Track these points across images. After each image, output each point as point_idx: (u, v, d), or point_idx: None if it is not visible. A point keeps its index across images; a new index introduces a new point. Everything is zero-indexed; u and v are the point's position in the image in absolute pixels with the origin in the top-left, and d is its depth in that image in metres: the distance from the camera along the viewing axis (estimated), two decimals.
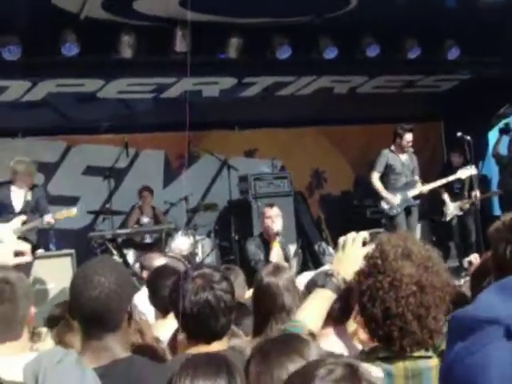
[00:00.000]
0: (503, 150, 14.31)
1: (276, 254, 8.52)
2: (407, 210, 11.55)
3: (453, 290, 2.58)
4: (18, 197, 10.06)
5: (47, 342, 3.94)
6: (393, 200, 11.40)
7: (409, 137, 11.69)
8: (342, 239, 3.16)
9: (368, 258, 2.58)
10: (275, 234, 8.69)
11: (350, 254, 3.06)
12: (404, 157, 11.74)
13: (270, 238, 8.72)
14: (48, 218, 9.69)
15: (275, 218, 8.81)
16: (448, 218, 13.22)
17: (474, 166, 11.61)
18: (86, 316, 2.95)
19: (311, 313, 3.05)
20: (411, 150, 11.86)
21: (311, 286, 3.40)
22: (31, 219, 9.61)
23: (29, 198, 10.06)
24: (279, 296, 4.05)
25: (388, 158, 11.72)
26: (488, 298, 1.23)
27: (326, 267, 3.52)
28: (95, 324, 2.93)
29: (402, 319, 2.44)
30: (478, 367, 1.16)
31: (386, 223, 11.67)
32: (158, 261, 6.35)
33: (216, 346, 3.10)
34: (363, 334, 3.64)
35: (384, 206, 11.52)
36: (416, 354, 2.47)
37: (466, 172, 11.63)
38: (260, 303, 4.11)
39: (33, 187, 10.18)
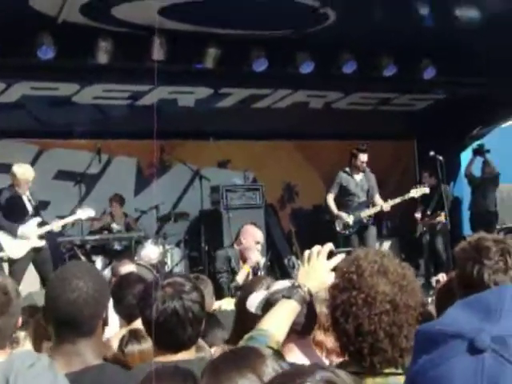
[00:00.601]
0: (476, 170, 14.45)
1: (245, 277, 8.31)
2: (361, 231, 11.86)
3: (425, 309, 2.58)
4: (26, 200, 10.34)
5: (26, 347, 3.90)
6: (346, 219, 11.74)
7: (363, 157, 11.97)
8: (307, 252, 3.16)
9: (343, 272, 2.57)
10: (255, 262, 8.48)
11: (316, 267, 3.08)
12: (359, 177, 12.07)
13: (247, 259, 8.46)
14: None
15: (259, 246, 8.67)
16: (417, 235, 13.36)
17: (426, 186, 11.91)
18: (61, 319, 2.91)
19: (276, 323, 3.03)
20: (367, 169, 12.13)
21: (268, 306, 3.35)
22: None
23: (33, 202, 10.41)
24: None
25: (342, 180, 12.07)
26: (454, 313, 1.24)
27: (280, 284, 3.48)
28: (70, 328, 2.89)
29: (373, 336, 2.43)
30: (441, 380, 1.17)
31: (340, 243, 11.67)
32: (126, 268, 6.31)
33: (183, 356, 3.07)
34: (331, 343, 3.63)
35: (337, 227, 11.87)
36: (386, 370, 2.46)
37: (418, 191, 11.82)
38: (245, 322, 3.98)
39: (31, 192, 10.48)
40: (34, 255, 10.24)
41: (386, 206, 11.82)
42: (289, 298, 3.07)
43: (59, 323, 2.93)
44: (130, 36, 10.62)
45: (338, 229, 11.88)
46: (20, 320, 3.10)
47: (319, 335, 3.60)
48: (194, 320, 3.12)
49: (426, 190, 11.85)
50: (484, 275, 2.99)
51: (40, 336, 3.95)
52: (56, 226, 10.38)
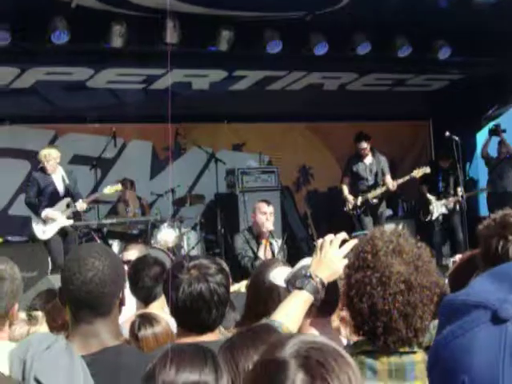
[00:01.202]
0: (492, 151, 14.37)
1: (264, 251, 8.52)
2: (374, 212, 12.29)
3: (441, 289, 2.57)
4: (58, 181, 10.88)
5: (43, 326, 3.92)
6: (352, 201, 12.24)
7: (361, 145, 12.39)
8: (319, 241, 3.16)
9: (358, 252, 2.56)
10: (269, 231, 8.69)
11: (328, 256, 3.07)
12: (368, 160, 12.45)
13: (261, 233, 8.72)
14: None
15: (270, 216, 8.82)
16: (434, 217, 13.32)
17: (427, 166, 12.28)
18: (78, 299, 2.88)
19: (289, 314, 3.04)
20: (377, 153, 12.60)
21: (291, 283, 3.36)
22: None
23: (67, 181, 10.88)
24: (279, 301, 3.98)
25: (352, 164, 12.56)
26: (479, 284, 1.24)
27: (306, 261, 3.48)
28: (87, 307, 2.87)
29: (387, 316, 2.42)
30: (463, 350, 1.17)
31: (355, 224, 12.26)
32: (132, 253, 6.29)
33: (208, 337, 3.07)
34: (345, 330, 3.63)
35: (345, 208, 12.35)
36: (400, 349, 2.46)
37: (420, 171, 12.16)
38: (259, 303, 4.00)
39: (68, 173, 11.06)
40: (64, 236, 10.68)
41: (392, 185, 12.13)
42: (301, 288, 3.08)
43: (76, 303, 2.92)
44: (144, 20, 10.59)
45: (345, 209, 12.35)
46: (16, 308, 3.13)
47: (343, 312, 3.60)
48: (219, 302, 3.11)
49: (427, 170, 12.17)
50: (509, 250, 3.02)
51: (56, 319, 3.97)
52: (80, 206, 10.68)
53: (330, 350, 1.49)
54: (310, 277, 3.07)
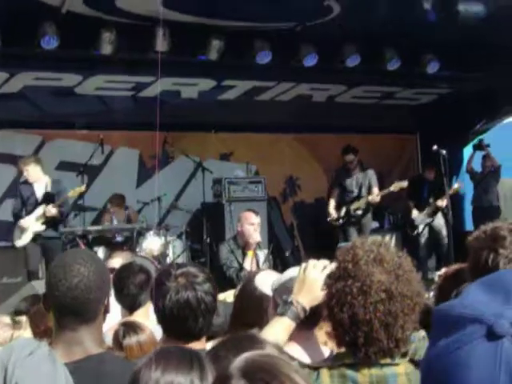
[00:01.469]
0: (477, 166, 14.45)
1: (250, 262, 8.47)
2: (358, 223, 12.60)
3: (423, 299, 2.56)
4: (38, 189, 10.87)
5: (27, 331, 3.90)
6: (334, 214, 12.67)
7: (347, 158, 12.75)
8: (303, 265, 3.15)
9: (339, 261, 2.55)
10: (256, 243, 8.62)
11: (309, 281, 3.06)
12: (356, 173, 12.79)
13: (248, 244, 8.62)
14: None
15: (257, 227, 8.75)
16: (420, 229, 13.39)
17: (406, 181, 12.43)
18: (63, 305, 2.85)
19: (271, 339, 3.03)
20: (364, 166, 12.97)
21: (283, 288, 3.36)
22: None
23: (48, 189, 10.81)
24: (267, 311, 3.95)
25: (339, 177, 13.01)
26: (473, 295, 1.23)
27: (293, 270, 3.47)
28: (71, 314, 2.85)
29: (368, 326, 2.41)
30: (458, 364, 1.16)
31: (339, 235, 12.60)
32: (116, 260, 6.26)
33: (194, 345, 3.03)
34: (331, 344, 3.61)
35: (329, 218, 12.73)
36: (382, 361, 2.45)
37: (397, 185, 12.33)
38: (247, 313, 3.98)
39: (54, 182, 11.00)
40: (41, 243, 10.68)
41: (372, 198, 12.40)
42: (282, 315, 3.07)
43: (60, 309, 2.89)
44: (134, 27, 10.59)
45: (329, 219, 12.71)
46: None
47: (328, 326, 3.59)
48: (206, 311, 3.11)
49: (404, 184, 12.30)
50: (499, 264, 3.01)
51: (38, 325, 3.95)
52: (48, 211, 10.55)
53: (274, 361, 1.52)
54: (291, 303, 3.06)
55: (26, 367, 2.37)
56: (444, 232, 13.09)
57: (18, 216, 10.75)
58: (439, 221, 13.35)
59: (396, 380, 2.42)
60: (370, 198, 12.37)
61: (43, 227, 10.60)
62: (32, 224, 10.52)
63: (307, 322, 3.28)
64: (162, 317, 3.13)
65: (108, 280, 3.13)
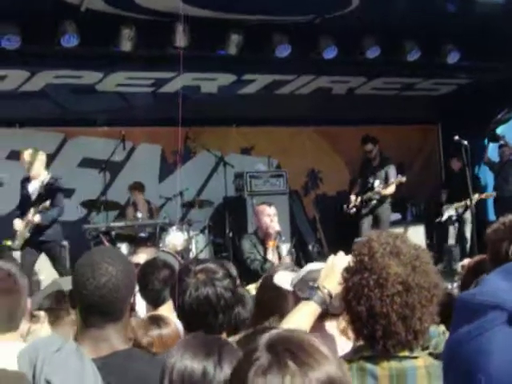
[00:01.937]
0: (494, 156, 14.38)
1: (273, 253, 8.50)
2: (367, 213, 12.63)
3: (441, 291, 2.56)
4: (34, 187, 10.15)
5: (45, 326, 3.93)
6: (352, 201, 12.65)
7: (366, 147, 12.80)
8: (330, 257, 3.15)
9: (356, 254, 2.56)
10: (276, 233, 8.65)
11: (337, 269, 3.06)
12: (376, 163, 12.75)
13: (267, 236, 8.66)
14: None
15: (274, 217, 8.78)
16: (443, 219, 13.33)
17: (404, 176, 12.38)
18: (89, 304, 2.87)
19: (296, 324, 3.02)
20: (385, 156, 12.97)
21: (302, 283, 3.37)
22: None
23: (45, 188, 10.01)
24: (288, 301, 3.97)
25: (362, 166, 13.07)
26: (494, 283, 1.24)
27: (312, 266, 3.48)
28: (98, 313, 2.87)
29: (386, 319, 2.41)
30: (479, 351, 1.17)
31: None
32: (141, 256, 6.31)
33: None
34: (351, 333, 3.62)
35: (344, 208, 12.80)
36: (400, 354, 2.45)
37: (398, 180, 12.36)
38: (268, 304, 4.00)
39: (51, 179, 10.08)
40: (40, 246, 10.20)
41: (379, 189, 12.45)
42: (308, 299, 3.08)
43: (87, 308, 2.91)
44: (153, 23, 10.62)
45: (344, 209, 12.76)
46: (29, 302, 3.15)
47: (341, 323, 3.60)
48: (225, 307, 3.12)
49: (403, 180, 12.27)
50: None
51: (62, 321, 3.98)
52: (17, 224, 10.05)
53: (300, 338, 1.54)
54: (318, 288, 3.05)
55: (55, 363, 2.39)
56: (468, 224, 13.04)
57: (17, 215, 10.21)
58: (466, 213, 13.28)
59: (415, 373, 2.42)
60: (377, 189, 12.41)
61: (29, 234, 9.97)
62: (21, 229, 10.00)
63: (323, 314, 3.30)
64: (182, 313, 3.15)
65: (134, 279, 3.15)
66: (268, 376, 1.42)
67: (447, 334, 2.91)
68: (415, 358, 2.45)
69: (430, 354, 2.51)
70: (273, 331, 1.61)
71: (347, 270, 2.58)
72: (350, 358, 2.51)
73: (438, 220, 13.46)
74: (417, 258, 2.47)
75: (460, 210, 13.17)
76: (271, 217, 8.72)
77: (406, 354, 2.45)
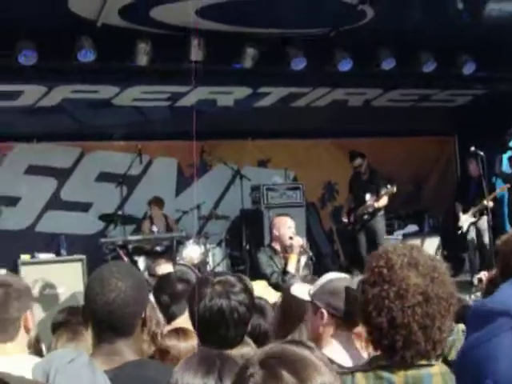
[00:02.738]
0: (506, 167, 14.31)
1: (294, 265, 8.36)
2: (361, 228, 12.67)
3: (457, 301, 2.58)
4: None
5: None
6: (345, 220, 12.91)
7: (355, 162, 12.95)
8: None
9: (373, 267, 2.57)
10: (300, 245, 8.42)
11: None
12: (365, 177, 12.85)
13: (290, 247, 8.39)
14: None
15: (294, 230, 8.65)
16: (465, 229, 13.22)
17: (395, 187, 12.33)
18: (100, 319, 2.89)
19: None
20: (374, 170, 13.06)
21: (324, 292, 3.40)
22: None
23: None
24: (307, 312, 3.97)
25: (351, 182, 13.22)
26: (504, 292, 1.25)
27: (330, 275, 3.51)
28: (108, 328, 2.88)
29: (407, 329, 2.43)
30: (488, 356, 1.19)
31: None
32: (164, 267, 6.33)
33: None
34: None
35: (340, 225, 13.25)
36: (418, 363, 2.47)
37: (388, 191, 12.33)
38: (289, 311, 4.03)
39: None
40: None
41: (370, 203, 12.47)
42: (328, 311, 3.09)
43: (98, 323, 2.93)
44: (169, 37, 10.66)
45: (340, 226, 13.26)
46: (29, 314, 3.16)
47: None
48: (238, 321, 3.13)
49: (393, 190, 12.26)
50: None
51: (82, 336, 3.99)
52: None
53: (291, 351, 1.54)
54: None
55: (67, 374, 2.41)
56: (487, 234, 12.95)
57: None
58: (484, 223, 13.18)
59: (431, 380, 2.44)
60: (369, 202, 12.43)
61: None
62: None
63: (348, 322, 3.31)
64: (196, 322, 3.15)
65: (146, 294, 3.16)
66: None
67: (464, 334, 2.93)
68: (431, 365, 2.46)
69: (445, 361, 2.52)
70: (268, 346, 1.62)
71: (365, 281, 2.59)
72: (365, 368, 2.52)
73: (459, 232, 13.34)
74: (434, 269, 2.50)
75: (477, 216, 13.09)
76: (292, 229, 8.60)
77: (424, 362, 2.46)
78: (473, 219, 13.22)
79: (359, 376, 2.47)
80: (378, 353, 2.59)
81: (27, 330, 3.17)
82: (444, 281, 2.50)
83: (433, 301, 2.44)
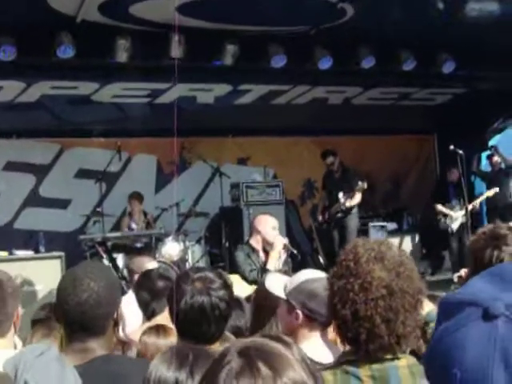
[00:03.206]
0: (485, 166, 14.41)
1: (274, 263, 8.31)
2: (335, 226, 12.81)
3: (424, 297, 2.61)
4: None
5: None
6: (320, 218, 13.13)
7: (328, 160, 13.02)
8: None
9: (341, 260, 2.60)
10: (284, 244, 8.37)
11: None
12: (338, 175, 12.95)
13: (272, 246, 8.32)
14: None
15: (277, 232, 8.57)
16: (455, 228, 13.26)
17: (365, 182, 12.39)
18: (72, 319, 2.89)
19: None
20: (347, 167, 13.21)
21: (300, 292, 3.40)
22: None
23: None
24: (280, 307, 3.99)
25: (324, 179, 13.37)
26: (474, 283, 1.28)
27: (305, 273, 3.52)
28: (80, 328, 2.88)
29: (370, 322, 2.45)
30: (455, 345, 1.21)
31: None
32: (149, 264, 6.30)
33: None
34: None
35: (315, 224, 13.41)
36: (382, 357, 2.49)
37: (360, 187, 12.37)
38: (262, 305, 4.03)
39: None
40: None
41: (343, 201, 12.55)
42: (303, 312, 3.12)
43: (69, 322, 2.93)
44: (149, 34, 10.63)
45: (315, 225, 13.42)
46: (20, 312, 3.16)
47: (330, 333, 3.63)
48: (219, 317, 3.15)
49: (364, 186, 12.31)
50: (504, 260, 3.16)
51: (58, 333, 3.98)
52: None
53: (269, 345, 1.54)
54: None
55: (36, 367, 2.42)
56: (466, 232, 13.01)
57: None
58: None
59: (397, 373, 2.47)
60: (342, 200, 12.50)
61: None
62: None
63: (324, 324, 3.32)
64: (176, 319, 3.15)
65: (119, 294, 3.16)
66: (240, 380, 1.43)
67: None
68: (397, 358, 2.48)
69: (413, 354, 2.56)
70: (247, 339, 1.62)
71: (333, 274, 2.62)
72: (334, 365, 2.56)
73: (450, 231, 13.36)
74: (401, 264, 2.53)
75: (468, 217, 13.16)
76: (276, 230, 8.52)
77: (389, 356, 2.48)
78: (463, 220, 13.26)
79: (326, 373, 2.49)
80: (347, 348, 2.61)
81: (15, 327, 3.17)
82: (411, 276, 2.52)
83: (397, 295, 2.46)
